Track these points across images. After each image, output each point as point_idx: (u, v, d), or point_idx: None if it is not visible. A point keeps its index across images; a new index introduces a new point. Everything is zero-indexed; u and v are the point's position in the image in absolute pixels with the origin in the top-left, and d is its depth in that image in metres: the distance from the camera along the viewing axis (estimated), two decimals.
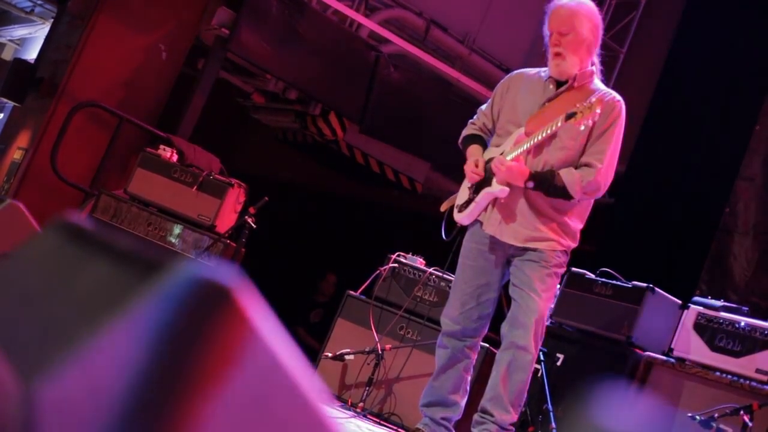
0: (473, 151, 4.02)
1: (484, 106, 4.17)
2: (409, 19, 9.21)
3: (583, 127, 3.63)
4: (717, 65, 7.89)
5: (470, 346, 3.97)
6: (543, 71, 3.99)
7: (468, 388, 4.06)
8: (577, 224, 3.92)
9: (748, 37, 7.81)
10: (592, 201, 3.98)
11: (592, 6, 3.96)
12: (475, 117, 4.17)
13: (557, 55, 3.84)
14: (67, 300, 1.06)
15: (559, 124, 3.67)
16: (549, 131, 3.72)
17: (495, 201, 3.88)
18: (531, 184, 3.75)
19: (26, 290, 1.23)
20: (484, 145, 4.05)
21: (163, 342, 0.84)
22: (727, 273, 7.05)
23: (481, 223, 3.93)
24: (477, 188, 3.94)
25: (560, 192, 3.76)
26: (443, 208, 4.17)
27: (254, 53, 7.82)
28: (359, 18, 8.62)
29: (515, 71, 4.20)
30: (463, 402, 4.04)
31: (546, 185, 3.76)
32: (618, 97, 3.88)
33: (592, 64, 3.92)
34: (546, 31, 3.91)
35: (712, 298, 4.81)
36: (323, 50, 8.18)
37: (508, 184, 3.80)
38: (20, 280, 1.30)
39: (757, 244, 6.97)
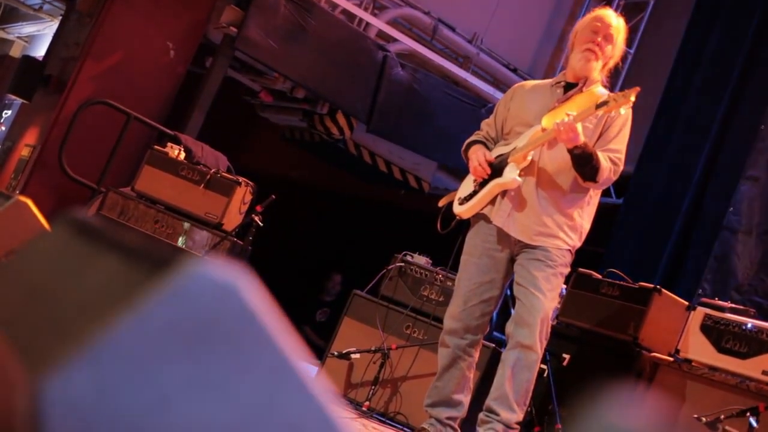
0: (478, 148, 4.03)
1: (488, 119, 4.22)
2: (417, 18, 9.21)
3: (613, 113, 3.66)
4: (724, 65, 7.87)
5: (472, 344, 3.97)
6: (545, 82, 4.08)
7: (471, 386, 4.06)
8: (584, 222, 3.93)
9: (756, 36, 7.80)
10: (599, 199, 3.99)
11: None
12: (479, 129, 4.22)
13: (591, 51, 3.89)
14: (75, 296, 1.06)
15: (591, 113, 3.69)
16: (581, 119, 3.71)
17: (504, 192, 3.89)
18: (578, 151, 3.72)
19: (34, 286, 1.23)
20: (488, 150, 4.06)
21: (171, 339, 0.84)
22: (730, 272, 7.04)
23: (487, 218, 3.93)
24: (484, 181, 3.94)
25: (593, 167, 3.76)
26: (441, 203, 4.19)
27: (262, 52, 7.82)
28: (367, 17, 8.63)
29: (516, 84, 4.28)
30: (468, 400, 4.04)
31: (587, 156, 3.73)
32: None
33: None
34: (587, 26, 3.95)
35: (718, 300, 4.80)
36: (331, 49, 8.18)
37: (520, 176, 3.81)
38: (28, 276, 1.31)
39: (760, 244, 6.96)
